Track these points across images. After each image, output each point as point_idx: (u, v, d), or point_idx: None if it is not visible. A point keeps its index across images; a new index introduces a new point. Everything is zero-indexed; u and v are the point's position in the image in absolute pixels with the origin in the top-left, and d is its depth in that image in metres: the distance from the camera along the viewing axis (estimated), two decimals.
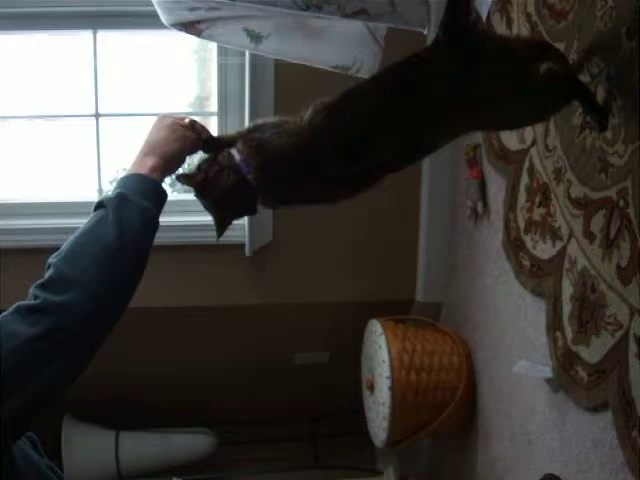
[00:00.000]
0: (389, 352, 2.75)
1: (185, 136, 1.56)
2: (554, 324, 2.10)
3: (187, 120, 1.59)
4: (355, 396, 3.11)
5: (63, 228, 2.94)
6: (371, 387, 2.92)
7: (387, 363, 2.74)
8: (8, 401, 1.20)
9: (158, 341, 3.19)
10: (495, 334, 2.58)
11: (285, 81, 2.80)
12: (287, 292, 3.11)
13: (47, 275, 1.32)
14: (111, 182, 3.16)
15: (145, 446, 3.41)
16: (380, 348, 2.81)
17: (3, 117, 3.04)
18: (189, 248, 2.99)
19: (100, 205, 1.43)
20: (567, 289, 2.02)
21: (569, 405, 2.02)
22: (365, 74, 2.06)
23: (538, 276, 2.21)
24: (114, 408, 3.36)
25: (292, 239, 3.01)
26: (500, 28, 2.33)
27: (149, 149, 1.52)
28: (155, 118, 1.58)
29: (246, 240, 2.93)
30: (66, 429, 3.25)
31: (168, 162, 1.51)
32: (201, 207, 3.23)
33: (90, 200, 3.01)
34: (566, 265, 2.02)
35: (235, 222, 2.94)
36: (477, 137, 2.62)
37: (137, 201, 1.41)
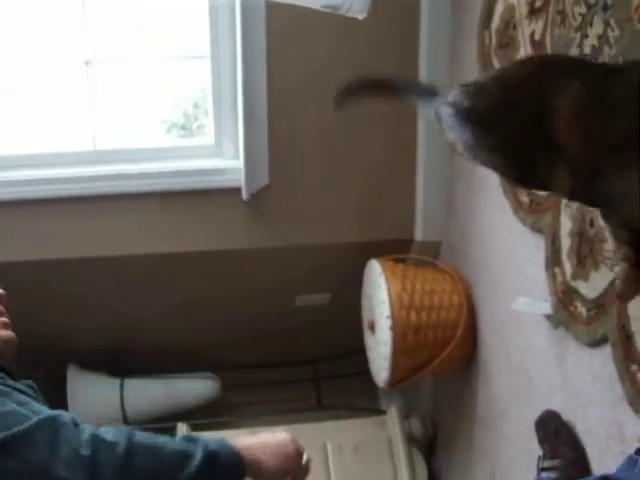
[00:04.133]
0: (389, 292, 2.75)
1: (292, 467, 1.56)
2: (553, 260, 2.09)
3: (305, 457, 1.59)
4: (357, 337, 3.12)
5: (58, 179, 2.93)
6: (372, 327, 2.93)
7: (387, 303, 2.74)
8: None
9: (158, 288, 3.19)
10: (494, 271, 2.58)
11: (277, 21, 2.75)
12: (286, 234, 3.10)
13: (122, 447, 1.32)
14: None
15: (150, 392, 3.43)
16: (380, 288, 2.80)
17: None
18: (186, 194, 2.97)
19: (196, 443, 1.41)
20: (566, 224, 2.01)
21: (568, 341, 2.02)
22: (355, 14, 2.03)
23: (537, 212, 2.19)
24: (118, 355, 3.38)
25: (289, 181, 2.99)
26: None
27: (262, 447, 1.51)
28: (287, 434, 1.59)
29: (242, 184, 2.91)
30: (71, 378, 3.26)
31: (260, 466, 1.49)
32: (197, 152, 3.22)
33: (84, 150, 3.03)
34: (564, 200, 2.01)
35: (231, 166, 2.97)
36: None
37: (220, 472, 1.40)
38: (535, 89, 1.34)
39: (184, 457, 1.36)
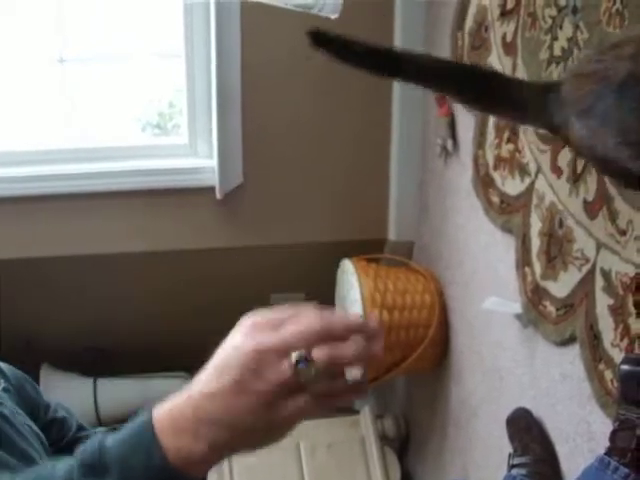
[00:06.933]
0: (361, 291, 2.76)
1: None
2: (523, 260, 2.11)
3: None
4: None
5: (29, 177, 2.92)
6: None
7: (359, 302, 2.74)
8: None
9: (131, 287, 3.18)
10: (466, 271, 2.59)
11: (251, 21, 2.76)
12: (260, 234, 3.10)
13: None
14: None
15: (124, 392, 3.41)
16: (352, 287, 2.81)
17: None
18: (159, 193, 2.97)
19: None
20: (535, 225, 2.03)
21: (538, 340, 2.04)
22: (327, 14, 2.04)
23: (507, 212, 2.21)
24: (92, 355, 3.36)
25: (263, 180, 3.00)
26: None
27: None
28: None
29: (216, 183, 2.91)
30: (44, 378, 3.24)
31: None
32: (171, 151, 3.21)
33: (58, 148, 3.01)
34: (534, 201, 2.03)
35: (205, 165, 2.97)
36: None
37: None
38: None
39: None
